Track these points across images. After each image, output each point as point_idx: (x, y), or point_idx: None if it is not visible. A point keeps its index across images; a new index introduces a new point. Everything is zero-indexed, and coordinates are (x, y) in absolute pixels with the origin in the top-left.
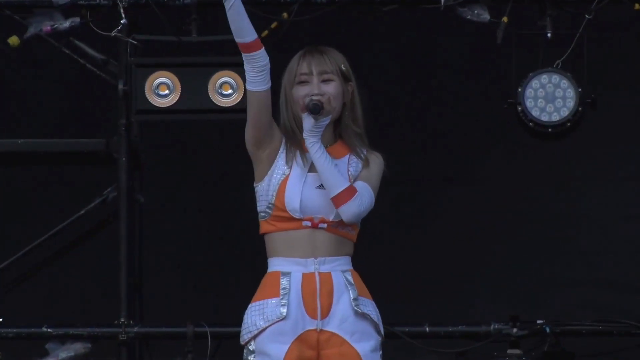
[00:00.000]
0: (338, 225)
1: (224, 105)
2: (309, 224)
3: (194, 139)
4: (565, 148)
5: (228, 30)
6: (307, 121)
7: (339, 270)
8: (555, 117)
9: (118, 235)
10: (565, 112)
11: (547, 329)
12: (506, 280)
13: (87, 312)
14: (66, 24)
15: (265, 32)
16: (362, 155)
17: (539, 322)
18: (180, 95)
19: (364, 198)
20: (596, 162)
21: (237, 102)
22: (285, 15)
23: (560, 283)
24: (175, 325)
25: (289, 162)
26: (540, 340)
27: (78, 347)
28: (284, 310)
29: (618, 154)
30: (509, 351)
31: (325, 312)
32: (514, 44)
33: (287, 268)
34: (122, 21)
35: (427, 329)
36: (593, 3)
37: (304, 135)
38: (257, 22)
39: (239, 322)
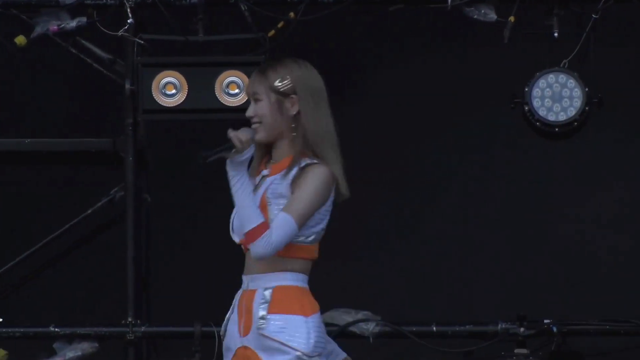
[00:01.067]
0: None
1: (230, 105)
2: (243, 246)
3: (200, 139)
4: (572, 147)
5: (234, 30)
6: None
7: (262, 288)
8: (562, 117)
9: (125, 234)
10: (572, 112)
11: (554, 329)
12: (513, 279)
13: (94, 312)
14: (73, 23)
15: (272, 32)
16: (294, 171)
17: (546, 321)
18: (187, 94)
19: (273, 237)
20: (603, 162)
21: (243, 101)
22: (292, 14)
23: (567, 282)
24: (182, 324)
25: None
26: (548, 339)
27: (85, 347)
28: (223, 327)
29: (625, 153)
30: (516, 351)
31: (247, 330)
32: (520, 43)
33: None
34: (128, 21)
35: (434, 328)
36: (600, 2)
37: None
38: (264, 22)
39: None
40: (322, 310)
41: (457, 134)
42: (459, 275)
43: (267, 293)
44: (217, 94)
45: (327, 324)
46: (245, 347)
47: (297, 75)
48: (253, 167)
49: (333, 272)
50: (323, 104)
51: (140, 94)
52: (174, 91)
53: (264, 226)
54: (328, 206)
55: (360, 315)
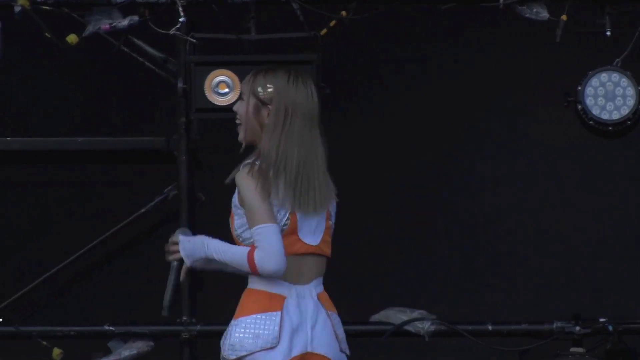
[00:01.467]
0: None
1: None
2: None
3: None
4: (625, 145)
5: (287, 29)
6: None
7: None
8: (616, 116)
9: None
10: (625, 111)
11: (610, 327)
12: (568, 278)
13: (148, 311)
14: (125, 22)
15: (325, 31)
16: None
17: (601, 320)
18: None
19: (260, 250)
20: None
21: None
22: (344, 13)
23: (623, 280)
24: (222, 323)
25: None
26: (603, 338)
27: (140, 346)
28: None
29: None
30: (572, 349)
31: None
32: (573, 42)
33: None
34: (180, 19)
35: (489, 327)
36: None
37: None
38: (316, 20)
39: None
40: (377, 310)
41: (509, 133)
42: (514, 273)
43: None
44: None
45: (382, 323)
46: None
47: (280, 88)
48: None
49: (388, 272)
50: (296, 125)
51: (193, 93)
52: (226, 90)
53: (251, 255)
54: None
55: (416, 314)
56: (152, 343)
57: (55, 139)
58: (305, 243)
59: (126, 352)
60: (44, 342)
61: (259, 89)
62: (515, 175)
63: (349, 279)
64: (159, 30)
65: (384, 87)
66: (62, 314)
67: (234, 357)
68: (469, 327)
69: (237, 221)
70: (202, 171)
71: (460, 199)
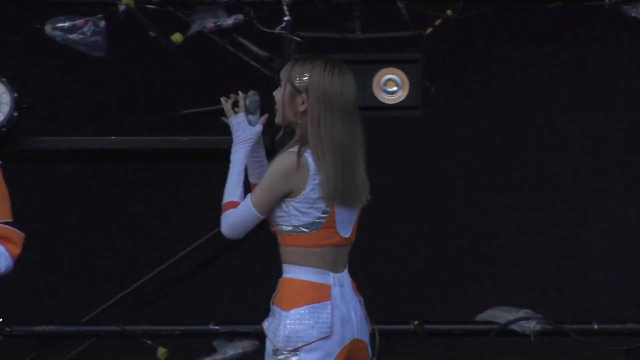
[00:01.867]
0: (275, 232)
1: (388, 103)
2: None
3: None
4: None
5: (392, 28)
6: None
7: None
8: None
9: None
10: None
11: None
12: None
13: (254, 309)
14: (230, 21)
15: (430, 30)
16: None
17: None
18: None
19: (229, 218)
20: None
21: (402, 99)
22: (449, 12)
23: None
24: None
25: None
26: None
27: (246, 345)
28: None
29: None
30: None
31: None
32: None
33: None
34: (285, 18)
35: (595, 326)
36: None
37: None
38: (421, 20)
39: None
40: (482, 309)
41: (616, 133)
42: (619, 272)
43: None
44: (374, 91)
45: (487, 322)
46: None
47: (316, 78)
48: None
49: (493, 271)
50: (336, 114)
51: None
52: None
53: (227, 206)
54: (302, 199)
55: (521, 313)
56: (257, 342)
57: (160, 138)
58: (341, 236)
59: (231, 352)
60: (149, 342)
61: (296, 77)
62: (601, 174)
63: (455, 278)
64: (264, 29)
65: (489, 86)
66: (166, 313)
67: (291, 347)
68: (574, 327)
69: (277, 210)
70: None
71: (558, 200)
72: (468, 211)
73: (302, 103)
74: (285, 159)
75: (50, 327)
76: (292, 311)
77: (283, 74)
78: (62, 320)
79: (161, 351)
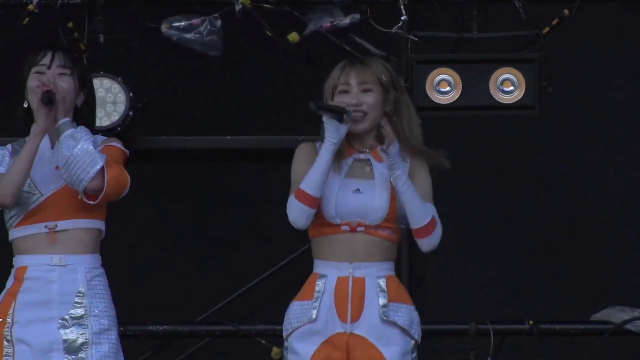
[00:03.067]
0: (377, 228)
1: (505, 102)
2: (347, 228)
3: (474, 136)
4: None
5: (509, 27)
6: (327, 124)
7: (374, 276)
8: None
9: None
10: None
11: None
12: None
13: None
14: (346, 20)
15: (547, 29)
16: (406, 157)
17: None
18: (461, 91)
19: (440, 224)
20: None
21: (518, 99)
22: (566, 11)
23: None
24: (457, 322)
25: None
26: None
27: None
28: (314, 312)
29: None
30: None
31: (356, 316)
32: None
33: (325, 271)
34: (402, 17)
35: None
36: None
37: (325, 137)
38: (538, 19)
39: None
40: (598, 309)
41: None
42: None
43: (382, 282)
44: (491, 91)
45: (602, 322)
46: (350, 334)
47: (394, 74)
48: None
49: (608, 271)
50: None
51: (415, 91)
52: (448, 88)
53: (435, 222)
54: None
55: (637, 312)
56: None
57: (275, 137)
58: None
59: None
60: (263, 341)
61: (384, 77)
62: None
63: (570, 279)
64: (380, 28)
65: (607, 86)
66: (282, 312)
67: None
68: None
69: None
70: None
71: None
72: (585, 211)
73: (389, 101)
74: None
75: (165, 326)
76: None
77: (368, 77)
78: (176, 320)
79: (275, 351)
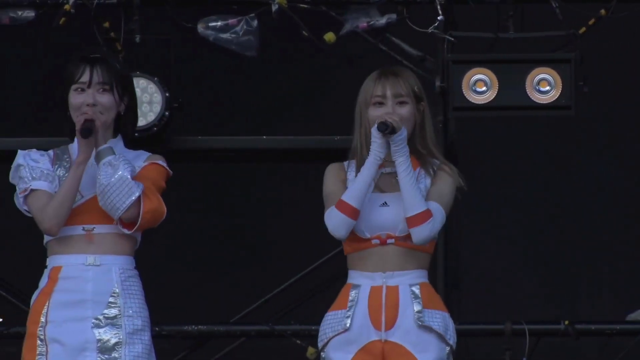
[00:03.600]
0: (407, 239)
1: (541, 102)
2: (377, 241)
3: (510, 136)
4: None
5: (545, 27)
6: (377, 139)
7: (407, 284)
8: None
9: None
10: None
11: None
12: None
13: None
14: (382, 20)
15: (583, 29)
16: (431, 170)
17: None
18: (498, 91)
19: (436, 222)
20: None
21: (554, 99)
22: (603, 12)
23: None
24: (493, 322)
25: None
26: None
27: None
28: (348, 321)
29: None
30: None
31: (390, 324)
32: None
33: (358, 281)
34: (438, 17)
35: None
36: None
37: (372, 151)
38: (574, 19)
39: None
40: (634, 308)
41: None
42: None
43: (415, 289)
44: (527, 91)
45: (638, 322)
46: (385, 341)
47: (420, 85)
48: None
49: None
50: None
51: (451, 91)
52: (484, 88)
53: (429, 212)
54: None
55: None
56: None
57: (311, 138)
58: None
59: None
60: (298, 341)
61: (416, 88)
62: None
63: (607, 277)
64: (417, 28)
65: None
66: (317, 312)
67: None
68: None
69: None
70: (459, 169)
71: None
72: (621, 211)
73: (419, 111)
74: (455, 174)
75: (200, 326)
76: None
77: (404, 90)
78: (211, 320)
79: (311, 351)
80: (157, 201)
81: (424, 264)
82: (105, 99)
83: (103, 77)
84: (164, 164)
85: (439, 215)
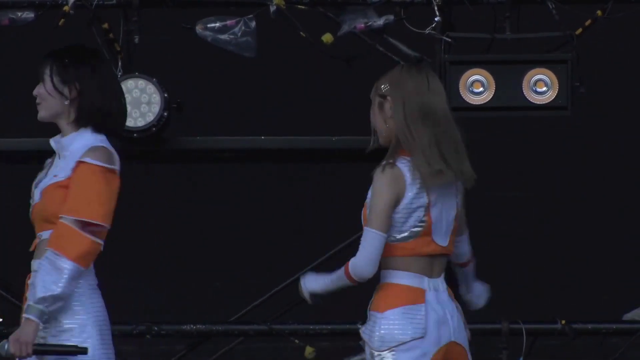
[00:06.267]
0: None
1: (538, 103)
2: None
3: (507, 137)
4: None
5: (542, 28)
6: None
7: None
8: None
9: None
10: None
11: None
12: None
13: None
14: (380, 21)
15: (579, 30)
16: None
17: None
18: (494, 92)
19: (358, 262)
20: None
21: (551, 99)
22: (599, 13)
23: None
24: (490, 321)
25: None
26: None
27: None
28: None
29: None
30: None
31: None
32: None
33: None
34: (435, 19)
35: None
36: None
37: None
38: (571, 20)
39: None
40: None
41: None
42: None
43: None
44: (524, 91)
45: (634, 322)
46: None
47: (394, 78)
48: None
49: (633, 270)
50: (416, 108)
51: (448, 92)
52: (481, 89)
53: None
54: (407, 205)
55: None
56: None
57: (309, 138)
58: (437, 245)
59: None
60: (297, 341)
61: (381, 86)
62: None
63: (603, 277)
64: (414, 29)
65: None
66: (315, 311)
67: (385, 348)
68: None
69: None
70: None
71: None
72: (617, 211)
73: (390, 107)
74: (381, 177)
75: (198, 326)
76: (387, 312)
77: (372, 95)
78: (210, 320)
79: (309, 350)
80: (81, 241)
81: (387, 266)
82: (39, 89)
83: (39, 67)
84: (96, 161)
85: (363, 242)
